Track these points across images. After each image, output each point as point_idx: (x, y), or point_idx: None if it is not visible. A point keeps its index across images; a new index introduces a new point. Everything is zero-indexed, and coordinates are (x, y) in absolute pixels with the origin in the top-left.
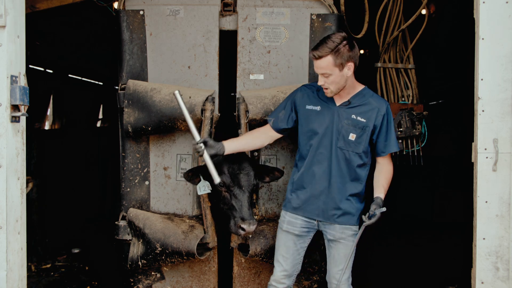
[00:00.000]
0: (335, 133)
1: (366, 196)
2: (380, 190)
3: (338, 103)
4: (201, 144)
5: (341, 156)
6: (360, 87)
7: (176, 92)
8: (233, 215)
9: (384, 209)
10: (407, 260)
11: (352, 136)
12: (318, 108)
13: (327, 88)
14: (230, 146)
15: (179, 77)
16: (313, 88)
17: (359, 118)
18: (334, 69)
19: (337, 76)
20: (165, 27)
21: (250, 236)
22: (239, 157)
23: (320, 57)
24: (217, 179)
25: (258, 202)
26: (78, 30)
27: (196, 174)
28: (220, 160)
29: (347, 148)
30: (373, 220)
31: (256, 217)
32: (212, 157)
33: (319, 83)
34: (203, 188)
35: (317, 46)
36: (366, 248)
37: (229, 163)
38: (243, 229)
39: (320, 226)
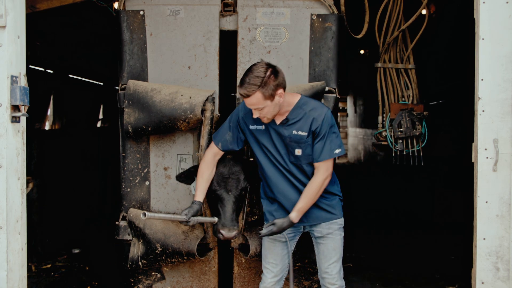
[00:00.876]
0: (283, 151)
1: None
2: (294, 209)
3: (278, 122)
4: (193, 219)
5: (297, 169)
6: (295, 99)
7: (147, 215)
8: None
9: (265, 231)
10: (407, 260)
11: (298, 152)
12: (262, 127)
13: (263, 117)
14: (203, 195)
15: (179, 77)
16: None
17: (300, 132)
18: (265, 102)
19: (271, 106)
20: (165, 27)
21: (233, 238)
22: (231, 160)
23: (248, 96)
24: (215, 219)
25: (259, 202)
26: (78, 30)
27: (189, 176)
28: None
29: (298, 162)
30: (264, 232)
31: (256, 217)
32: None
33: (254, 116)
34: (207, 190)
35: (243, 83)
36: (366, 248)
37: (219, 167)
38: (222, 234)
39: (306, 227)
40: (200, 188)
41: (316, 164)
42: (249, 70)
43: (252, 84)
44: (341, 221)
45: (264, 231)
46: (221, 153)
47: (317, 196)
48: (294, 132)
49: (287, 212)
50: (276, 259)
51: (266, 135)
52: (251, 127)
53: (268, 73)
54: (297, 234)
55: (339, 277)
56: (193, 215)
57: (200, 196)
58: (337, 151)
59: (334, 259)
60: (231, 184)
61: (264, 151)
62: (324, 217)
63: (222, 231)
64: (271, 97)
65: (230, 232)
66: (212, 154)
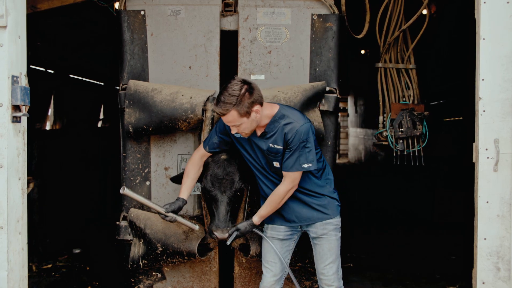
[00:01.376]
0: (263, 161)
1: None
2: (256, 214)
3: (258, 134)
4: (171, 215)
5: (278, 177)
6: (273, 111)
7: (125, 190)
8: (211, 219)
9: (231, 239)
10: (407, 260)
11: (276, 164)
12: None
13: (242, 132)
14: (187, 192)
15: (180, 77)
16: None
17: (276, 146)
18: (241, 119)
19: (247, 123)
20: (166, 27)
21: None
22: (225, 161)
23: (224, 114)
24: (195, 227)
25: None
26: (79, 30)
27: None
28: (207, 161)
29: (278, 172)
30: (230, 240)
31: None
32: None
33: (232, 132)
34: (192, 189)
35: (218, 101)
36: (366, 248)
37: (213, 167)
38: (216, 236)
39: (303, 227)
40: (185, 185)
41: (284, 173)
42: (224, 88)
43: (227, 103)
44: (336, 221)
45: (229, 239)
46: (208, 154)
47: (279, 204)
48: (271, 145)
49: (279, 213)
50: (275, 258)
51: (249, 144)
52: (236, 134)
53: (243, 90)
54: (295, 233)
55: (336, 278)
56: (174, 211)
57: (184, 194)
58: (305, 165)
59: (330, 260)
60: (226, 185)
61: (249, 156)
62: (316, 217)
63: (215, 233)
64: (247, 114)
65: (223, 233)
66: (199, 156)
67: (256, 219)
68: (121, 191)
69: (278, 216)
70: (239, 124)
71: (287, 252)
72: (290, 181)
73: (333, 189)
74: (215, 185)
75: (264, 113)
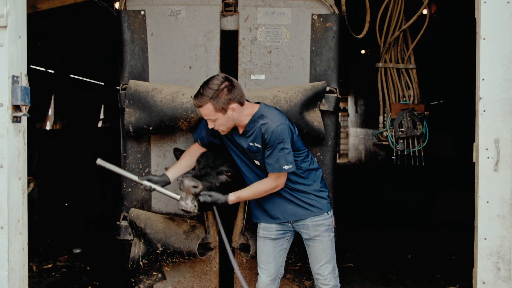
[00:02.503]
0: (246, 158)
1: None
2: (235, 193)
3: (240, 132)
4: (146, 183)
5: (263, 173)
6: (254, 110)
7: (99, 161)
8: None
9: (201, 198)
10: (408, 260)
11: (257, 162)
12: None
13: (218, 128)
14: (174, 174)
15: (180, 77)
16: None
17: (256, 144)
18: (217, 114)
19: (223, 119)
20: (166, 27)
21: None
22: (224, 156)
23: (200, 106)
24: (177, 196)
25: None
26: (79, 30)
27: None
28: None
29: (261, 169)
30: (201, 200)
31: None
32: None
33: (209, 126)
34: (180, 176)
35: (197, 93)
36: (366, 248)
37: (210, 159)
38: (181, 179)
39: (295, 227)
40: (174, 166)
41: (268, 173)
42: (205, 82)
43: (204, 95)
44: (328, 222)
45: (201, 198)
46: (202, 149)
47: (261, 195)
48: (251, 143)
49: (264, 210)
50: (268, 257)
51: (234, 140)
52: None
53: (222, 86)
54: (287, 232)
55: (332, 277)
56: (151, 180)
57: (170, 172)
58: (285, 167)
59: (325, 260)
60: (213, 178)
61: (234, 152)
62: (301, 214)
63: (185, 179)
64: (223, 110)
65: (190, 181)
66: (197, 147)
67: (233, 198)
68: (96, 162)
69: (263, 213)
70: (215, 119)
71: (281, 251)
72: (274, 179)
73: (320, 187)
74: (209, 163)
75: (245, 112)
